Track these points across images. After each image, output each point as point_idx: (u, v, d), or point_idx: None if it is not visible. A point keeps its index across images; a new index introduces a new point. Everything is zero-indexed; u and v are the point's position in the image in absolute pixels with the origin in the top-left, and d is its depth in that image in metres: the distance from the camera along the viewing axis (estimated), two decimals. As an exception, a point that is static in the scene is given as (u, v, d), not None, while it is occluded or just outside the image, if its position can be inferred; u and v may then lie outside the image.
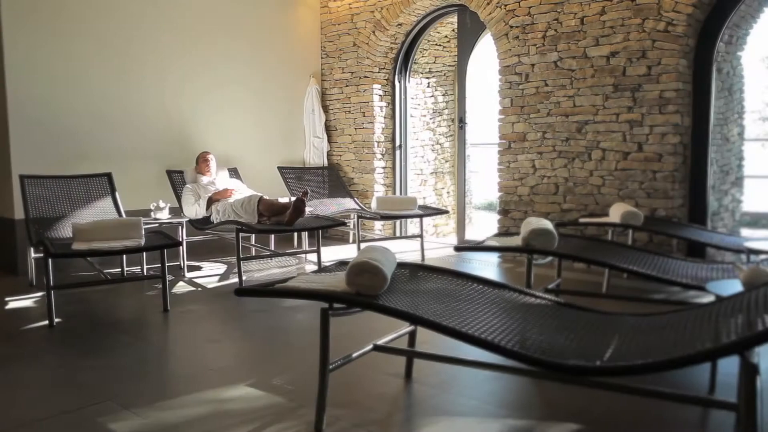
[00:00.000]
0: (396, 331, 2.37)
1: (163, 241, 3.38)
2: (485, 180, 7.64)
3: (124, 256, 4.28)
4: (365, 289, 1.99)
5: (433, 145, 6.36)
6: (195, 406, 2.22)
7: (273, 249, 5.17)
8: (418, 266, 2.47)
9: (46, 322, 3.25)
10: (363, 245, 4.81)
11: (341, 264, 2.49)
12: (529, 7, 4.74)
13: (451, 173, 6.54)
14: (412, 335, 2.46)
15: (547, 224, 2.94)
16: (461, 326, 1.78)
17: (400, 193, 6.04)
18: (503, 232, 3.45)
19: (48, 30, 4.57)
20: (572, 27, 4.52)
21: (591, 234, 4.36)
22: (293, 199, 4.27)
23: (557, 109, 4.64)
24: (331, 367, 1.98)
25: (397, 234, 6.08)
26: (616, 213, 3.92)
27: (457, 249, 2.98)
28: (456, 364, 2.20)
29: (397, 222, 5.97)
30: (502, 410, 2.18)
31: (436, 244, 5.80)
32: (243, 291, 2.10)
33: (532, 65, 4.75)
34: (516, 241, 3.07)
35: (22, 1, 4.44)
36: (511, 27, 4.85)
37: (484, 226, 6.83)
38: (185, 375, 2.58)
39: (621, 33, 4.29)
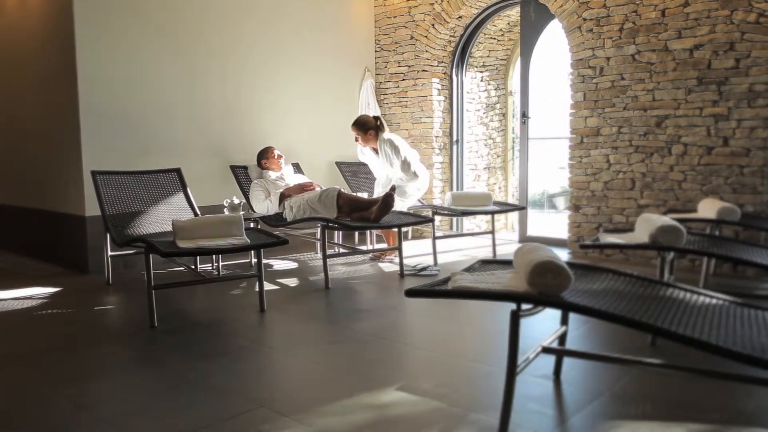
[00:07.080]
0: (555, 333, 2.30)
1: (267, 239, 3.25)
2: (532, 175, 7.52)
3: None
4: (547, 288, 1.90)
5: (486, 140, 6.27)
6: (356, 412, 2.12)
7: (341, 244, 5.06)
8: (569, 264, 2.38)
9: (146, 322, 3.15)
10: (438, 242, 4.71)
11: (485, 263, 2.40)
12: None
13: (502, 168, 6.46)
14: (562, 337, 2.38)
15: (673, 221, 2.86)
16: (682, 330, 1.70)
17: (457, 189, 5.95)
18: (619, 229, 3.37)
19: (118, 28, 4.46)
20: (652, 19, 4.44)
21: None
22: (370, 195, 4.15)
23: (634, 103, 4.56)
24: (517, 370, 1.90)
25: (454, 230, 5.99)
26: (709, 208, 3.84)
27: (583, 246, 2.89)
28: (639, 366, 2.12)
29: (455, 218, 5.87)
30: (677, 413, 2.09)
31: (498, 240, 5.70)
32: (415, 292, 2.01)
33: (607, 59, 4.67)
34: (634, 237, 2.99)
35: (92, 1, 4.32)
36: (585, 20, 4.76)
37: (532, 222, 6.72)
38: (326, 378, 2.49)
39: (706, 25, 4.21)
